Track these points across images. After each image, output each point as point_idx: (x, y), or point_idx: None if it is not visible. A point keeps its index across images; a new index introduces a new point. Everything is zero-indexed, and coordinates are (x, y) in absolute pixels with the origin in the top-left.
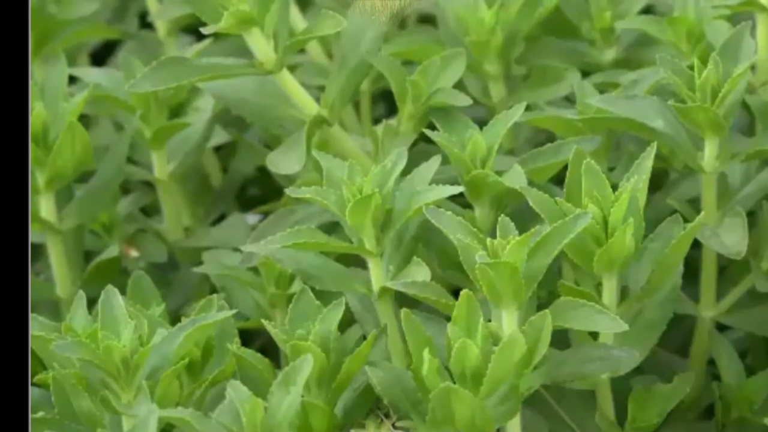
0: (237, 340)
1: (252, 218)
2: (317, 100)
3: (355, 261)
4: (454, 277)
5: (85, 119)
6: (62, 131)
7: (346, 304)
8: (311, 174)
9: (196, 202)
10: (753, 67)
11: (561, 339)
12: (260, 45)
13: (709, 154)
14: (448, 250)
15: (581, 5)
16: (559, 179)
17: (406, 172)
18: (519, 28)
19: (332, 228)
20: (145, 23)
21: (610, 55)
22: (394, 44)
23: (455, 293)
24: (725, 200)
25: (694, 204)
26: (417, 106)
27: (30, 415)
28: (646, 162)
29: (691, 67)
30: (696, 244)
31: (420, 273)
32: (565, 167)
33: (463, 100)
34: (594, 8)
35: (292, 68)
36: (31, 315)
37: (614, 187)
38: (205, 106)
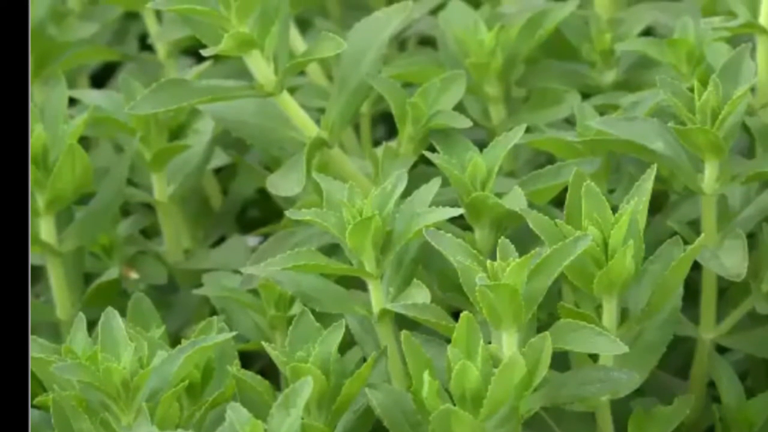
0: (237, 362)
1: (252, 240)
2: (317, 122)
3: (355, 283)
4: (454, 299)
5: (85, 141)
6: (62, 153)
7: (346, 326)
8: (311, 196)
9: (196, 224)
10: (753, 89)
11: (561, 361)
12: (260, 67)
13: (709, 176)
14: (448, 272)
15: (581, 27)
16: (559, 201)
17: (406, 194)
18: (519, 50)
19: (332, 250)
20: (145, 45)
21: (610, 77)
22: (394, 66)
23: (455, 315)
24: (725, 222)
25: (694, 226)
26: (417, 128)
27: None
28: (646, 184)
29: (691, 89)
30: (696, 266)
31: (420, 295)
32: (565, 189)
33: (463, 122)
34: (594, 30)
35: (292, 90)
36: (31, 337)
37: (614, 209)
38: (205, 128)
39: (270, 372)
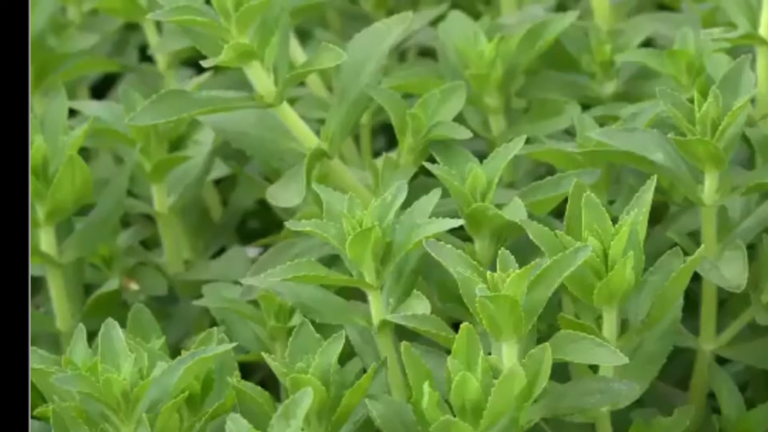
0: (237, 373)
1: (252, 251)
2: (317, 133)
3: (355, 294)
4: (454, 310)
5: (85, 152)
6: (62, 164)
7: (346, 337)
8: (311, 207)
9: (196, 235)
10: (753, 100)
11: (561, 372)
12: (260, 78)
13: (709, 187)
14: (448, 283)
15: (581, 38)
16: (559, 212)
17: (406, 205)
18: (519, 61)
19: (332, 261)
20: (145, 56)
21: (610, 88)
22: (394, 77)
23: (455, 326)
24: (725, 233)
25: (694, 237)
26: (417, 139)
27: None
28: (646, 195)
29: (691, 100)
30: (696, 277)
31: (420, 306)
32: (565, 200)
33: (463, 133)
34: (594, 41)
35: (292, 101)
36: (31, 348)
37: (614, 221)
38: (205, 139)
39: (270, 383)
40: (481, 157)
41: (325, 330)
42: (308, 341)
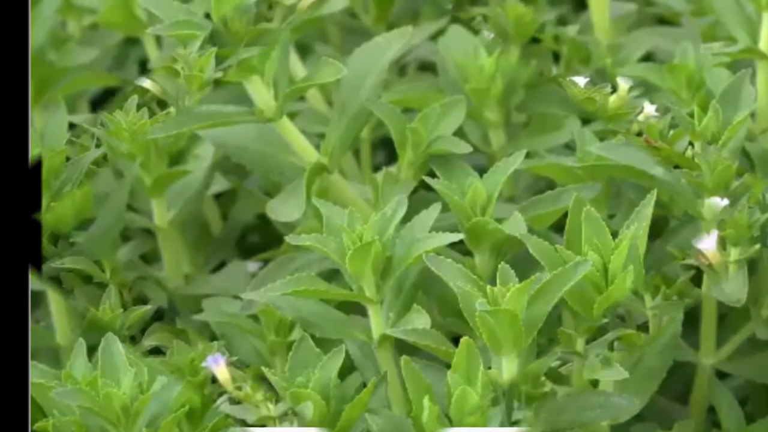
0: None
1: (252, 266)
2: (317, 147)
3: (355, 308)
4: (454, 324)
5: None
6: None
7: (346, 352)
8: (311, 221)
9: (196, 249)
10: (753, 115)
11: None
12: (260, 92)
13: (709, 202)
14: (448, 298)
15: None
16: (559, 226)
17: (406, 219)
18: (519, 75)
19: (332, 275)
20: (145, 70)
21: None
22: (394, 91)
23: (455, 340)
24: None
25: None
26: (417, 154)
27: None
28: (646, 209)
29: (691, 115)
30: None
31: (420, 320)
32: (565, 214)
33: (463, 148)
34: (594, 55)
35: (292, 116)
36: (31, 362)
37: (614, 235)
38: (205, 154)
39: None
40: (481, 171)
41: (325, 344)
42: (308, 356)
